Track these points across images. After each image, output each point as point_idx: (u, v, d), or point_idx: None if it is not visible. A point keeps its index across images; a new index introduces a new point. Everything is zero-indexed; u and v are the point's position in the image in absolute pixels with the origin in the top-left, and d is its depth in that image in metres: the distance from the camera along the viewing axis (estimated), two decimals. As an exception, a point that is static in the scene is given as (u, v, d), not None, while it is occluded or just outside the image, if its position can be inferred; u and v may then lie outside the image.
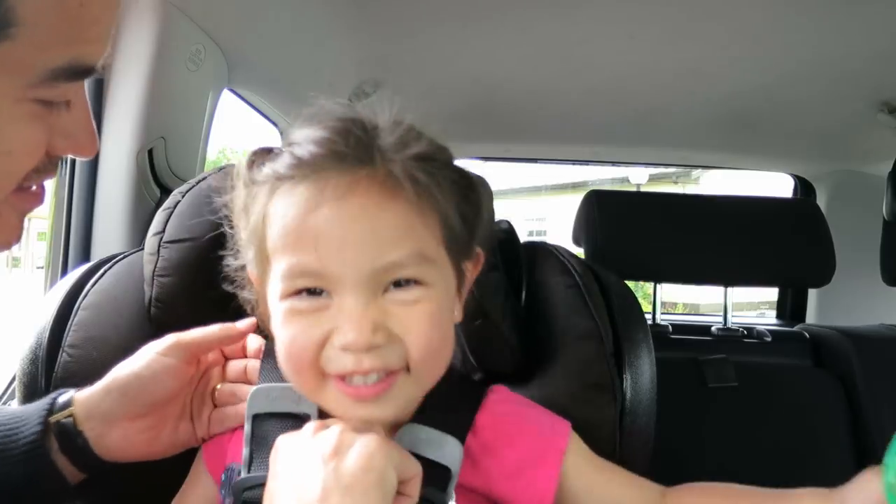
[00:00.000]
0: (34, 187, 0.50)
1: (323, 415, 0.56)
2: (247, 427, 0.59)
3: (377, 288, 0.50)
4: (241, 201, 0.56)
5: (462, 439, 0.57)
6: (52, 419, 0.59)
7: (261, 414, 0.59)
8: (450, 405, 0.59)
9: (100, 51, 0.45)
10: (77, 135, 0.48)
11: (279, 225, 0.51)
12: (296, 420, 0.58)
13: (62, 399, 0.61)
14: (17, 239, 0.50)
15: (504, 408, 0.61)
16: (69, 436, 0.59)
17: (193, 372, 0.64)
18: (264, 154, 0.55)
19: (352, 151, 0.50)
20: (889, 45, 1.23)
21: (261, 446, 0.58)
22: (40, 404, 0.60)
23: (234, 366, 0.66)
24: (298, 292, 0.50)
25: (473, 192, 0.57)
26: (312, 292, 0.50)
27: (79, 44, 0.43)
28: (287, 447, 0.51)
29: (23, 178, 0.47)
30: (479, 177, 0.63)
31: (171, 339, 0.62)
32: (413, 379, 0.51)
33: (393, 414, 0.52)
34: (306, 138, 0.52)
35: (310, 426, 0.51)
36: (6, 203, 0.47)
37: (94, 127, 0.50)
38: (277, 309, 0.52)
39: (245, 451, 0.58)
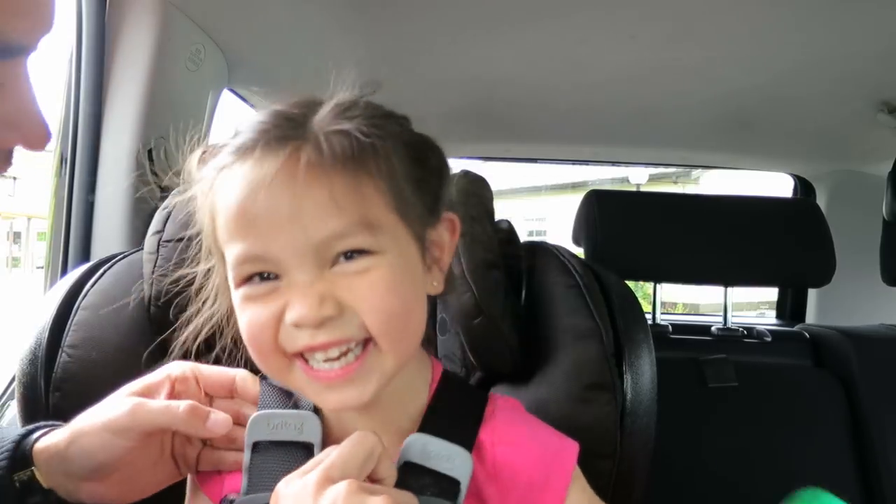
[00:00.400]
0: None
1: (326, 443, 0.54)
2: (246, 456, 0.55)
3: (324, 262, 0.49)
4: (198, 200, 0.55)
5: (469, 450, 0.54)
6: (15, 477, 0.53)
7: (261, 442, 0.55)
8: (456, 415, 0.57)
9: (22, 26, 0.41)
10: (22, 124, 0.44)
11: (222, 215, 0.50)
12: (298, 449, 0.54)
13: (23, 449, 0.54)
14: None
15: (510, 430, 0.58)
16: (35, 492, 0.53)
17: (158, 437, 0.56)
18: (213, 150, 0.54)
19: (282, 131, 0.49)
20: (889, 45, 1.23)
21: (261, 477, 0.54)
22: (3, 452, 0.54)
23: (223, 405, 0.58)
24: (250, 278, 0.50)
25: (431, 157, 0.56)
26: (264, 277, 0.49)
27: None
28: (288, 498, 0.46)
29: None
30: (475, 173, 0.66)
31: (125, 408, 0.54)
32: (383, 352, 0.50)
33: (370, 396, 0.50)
34: (247, 126, 0.51)
35: (312, 477, 0.46)
36: None
37: (42, 116, 0.45)
38: (236, 298, 0.51)
39: (244, 482, 0.54)
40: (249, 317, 0.50)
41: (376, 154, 0.50)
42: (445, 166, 0.58)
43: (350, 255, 0.49)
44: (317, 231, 0.48)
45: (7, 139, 0.44)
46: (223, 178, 0.50)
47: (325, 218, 0.48)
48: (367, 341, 0.50)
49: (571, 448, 0.57)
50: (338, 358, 0.49)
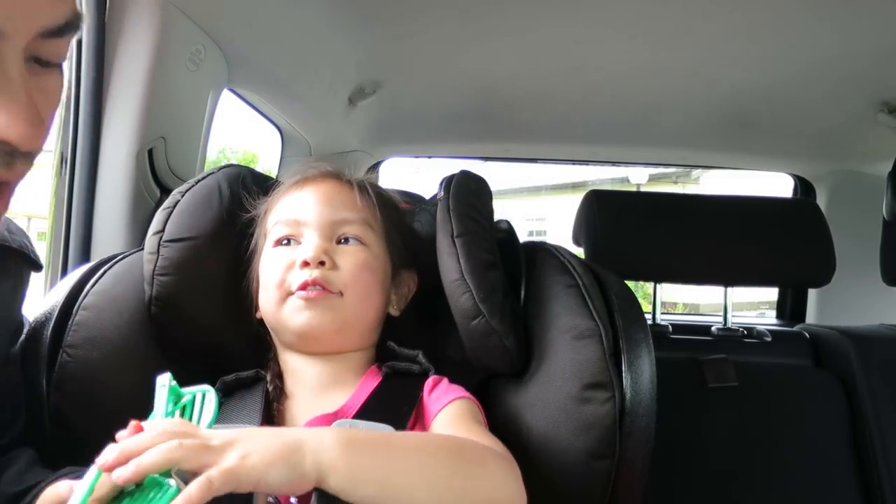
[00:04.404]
0: None
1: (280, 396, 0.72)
2: None
3: (332, 237, 0.74)
4: (262, 209, 0.79)
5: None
6: None
7: None
8: (388, 405, 0.68)
9: None
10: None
11: (282, 202, 0.77)
12: None
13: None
14: None
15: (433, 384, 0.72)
16: None
17: None
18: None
19: (330, 171, 0.79)
20: (889, 45, 1.23)
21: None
22: None
23: None
24: (281, 242, 0.74)
25: (414, 237, 0.82)
26: (290, 243, 0.74)
27: None
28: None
29: None
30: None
31: None
32: (345, 301, 0.71)
33: (328, 324, 0.70)
34: (307, 169, 0.80)
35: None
36: None
37: (28, 108, 0.41)
38: (266, 256, 0.75)
39: None
40: (274, 259, 0.73)
41: (384, 206, 0.78)
42: (422, 243, 0.81)
43: (348, 240, 0.74)
44: (338, 213, 0.74)
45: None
46: (289, 187, 0.78)
47: (346, 207, 0.75)
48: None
49: (464, 392, 0.70)
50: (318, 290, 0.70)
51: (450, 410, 0.67)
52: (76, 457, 0.65)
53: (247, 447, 0.48)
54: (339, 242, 0.73)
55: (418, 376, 0.73)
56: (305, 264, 0.70)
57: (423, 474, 0.54)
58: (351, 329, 0.73)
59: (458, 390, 0.70)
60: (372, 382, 0.72)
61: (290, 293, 0.71)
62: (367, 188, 0.78)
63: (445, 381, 0.72)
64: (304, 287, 0.70)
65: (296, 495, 0.51)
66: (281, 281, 0.71)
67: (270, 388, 0.71)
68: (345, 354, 0.74)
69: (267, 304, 0.74)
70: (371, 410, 0.66)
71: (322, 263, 0.71)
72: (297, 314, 0.70)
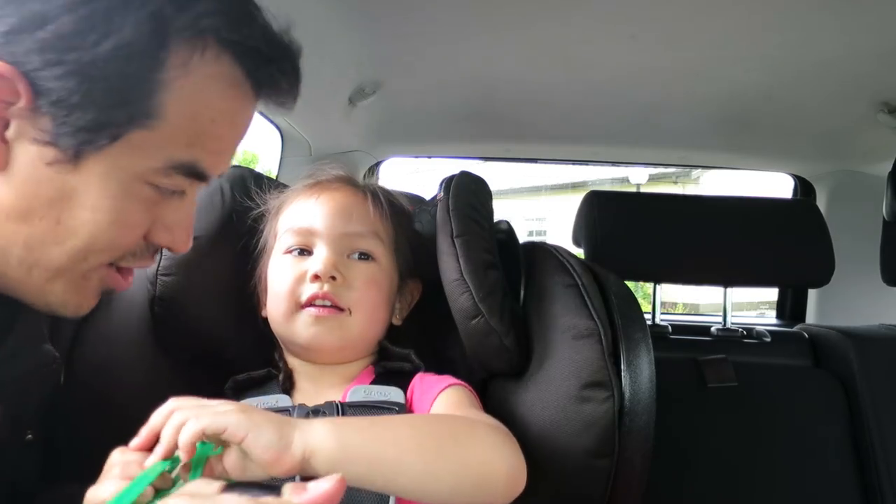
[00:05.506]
0: (122, 272, 0.55)
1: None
2: None
3: (344, 249, 0.74)
4: (272, 205, 0.80)
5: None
6: None
7: None
8: (391, 377, 0.74)
9: (216, 163, 0.54)
10: (175, 230, 0.56)
11: (294, 206, 0.77)
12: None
13: None
14: (86, 309, 0.55)
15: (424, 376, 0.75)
16: None
17: None
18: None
19: (344, 178, 0.80)
20: (890, 46, 1.23)
21: None
22: None
23: None
24: (292, 251, 0.74)
25: (422, 245, 0.81)
26: (301, 252, 0.74)
27: (200, 150, 0.52)
28: None
29: (120, 255, 0.53)
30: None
31: None
32: (352, 320, 0.72)
33: (335, 339, 0.72)
34: (320, 173, 0.80)
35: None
36: (97, 272, 0.53)
37: (192, 230, 0.58)
38: (276, 263, 0.75)
39: None
40: (284, 269, 0.74)
41: (395, 215, 0.79)
42: (427, 252, 0.79)
43: (359, 254, 0.75)
44: (351, 225, 0.75)
45: (159, 237, 0.55)
46: (301, 190, 0.78)
47: (359, 219, 0.75)
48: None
49: (456, 380, 0.73)
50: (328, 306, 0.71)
51: (444, 399, 0.69)
52: (83, 455, 0.65)
53: (244, 408, 0.52)
54: (349, 256, 0.74)
55: (409, 374, 0.74)
56: (316, 278, 0.71)
57: (413, 445, 0.56)
58: (354, 345, 0.75)
59: (448, 378, 0.72)
60: (365, 382, 0.74)
61: (301, 305, 0.72)
62: (380, 198, 0.78)
63: (430, 374, 0.74)
64: (313, 300, 0.71)
65: (277, 472, 0.50)
66: (291, 291, 0.72)
67: (286, 386, 0.74)
68: (346, 364, 0.76)
69: (275, 312, 0.74)
70: (378, 378, 0.73)
71: (333, 278, 0.71)
72: (305, 329, 0.72)
